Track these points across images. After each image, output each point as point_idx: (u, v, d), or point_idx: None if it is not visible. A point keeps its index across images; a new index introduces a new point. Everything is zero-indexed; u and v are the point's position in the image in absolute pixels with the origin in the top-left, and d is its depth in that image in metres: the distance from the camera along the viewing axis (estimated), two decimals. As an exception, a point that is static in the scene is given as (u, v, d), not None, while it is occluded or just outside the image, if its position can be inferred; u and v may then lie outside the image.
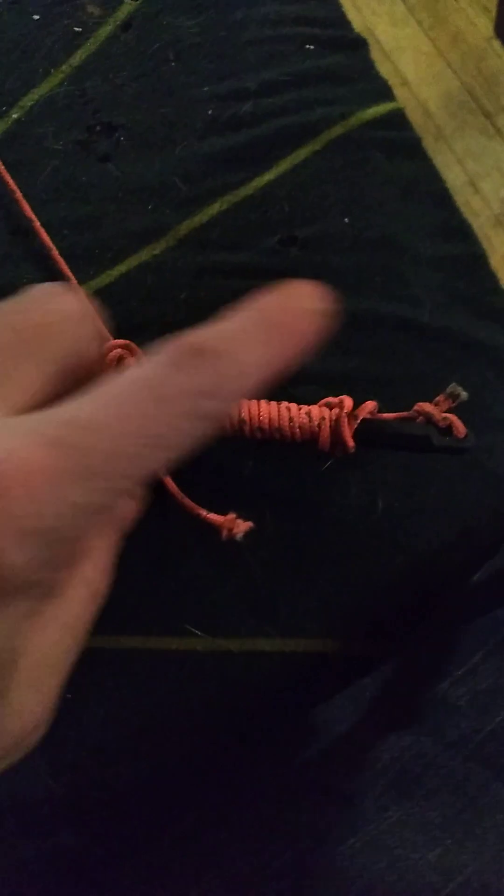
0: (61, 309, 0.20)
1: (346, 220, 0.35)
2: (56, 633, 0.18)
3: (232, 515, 0.28)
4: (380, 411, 0.31)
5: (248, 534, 0.27)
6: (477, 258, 0.37)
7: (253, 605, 0.31)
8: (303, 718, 0.29)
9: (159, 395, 0.16)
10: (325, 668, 0.31)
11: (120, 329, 0.33)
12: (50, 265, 0.33)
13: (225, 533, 0.28)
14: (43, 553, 0.15)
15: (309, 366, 0.33)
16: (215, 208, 0.34)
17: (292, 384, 0.32)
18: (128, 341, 0.29)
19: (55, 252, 0.33)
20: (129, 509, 0.22)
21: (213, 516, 0.28)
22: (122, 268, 0.33)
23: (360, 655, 0.31)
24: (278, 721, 0.31)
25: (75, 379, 0.19)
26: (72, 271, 0.33)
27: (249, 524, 0.28)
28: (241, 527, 0.27)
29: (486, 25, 1.25)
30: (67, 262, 0.33)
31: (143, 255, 0.34)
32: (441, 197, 0.38)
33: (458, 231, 0.37)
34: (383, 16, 1.27)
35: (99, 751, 0.30)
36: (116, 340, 0.29)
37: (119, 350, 0.28)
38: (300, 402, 0.31)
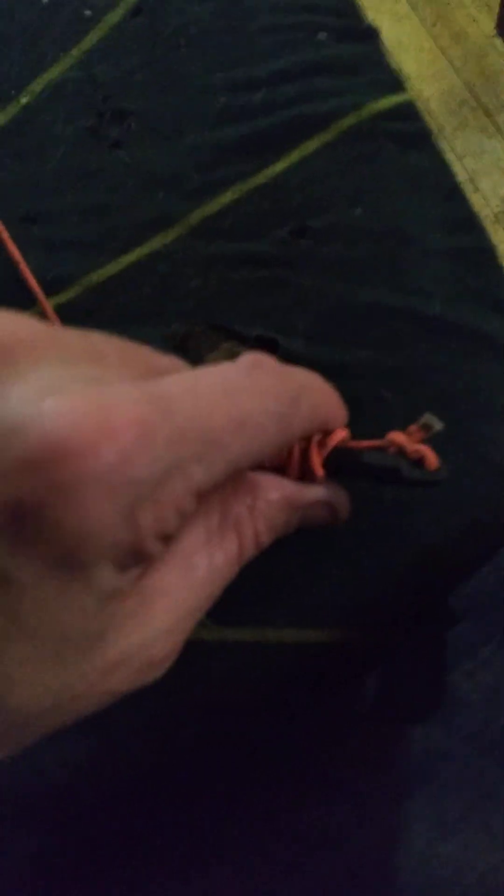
0: None
1: (358, 211, 0.35)
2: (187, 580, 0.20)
3: None
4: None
5: None
6: (486, 252, 0.37)
7: (261, 594, 0.31)
8: (311, 711, 0.29)
9: (237, 386, 0.19)
10: (334, 659, 0.31)
11: (130, 318, 0.33)
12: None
13: None
14: (131, 509, 0.16)
15: (317, 356, 0.33)
16: (227, 197, 0.34)
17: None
18: None
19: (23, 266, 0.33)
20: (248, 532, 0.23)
21: None
22: (132, 257, 0.33)
23: (369, 647, 0.31)
24: (287, 713, 0.30)
25: None
26: (80, 260, 0.33)
27: None
28: None
29: (488, 23, 1.24)
30: (76, 251, 0.33)
31: (154, 244, 0.33)
32: (451, 190, 0.37)
33: (468, 224, 0.37)
34: (385, 12, 1.27)
35: (103, 741, 0.30)
36: None
37: None
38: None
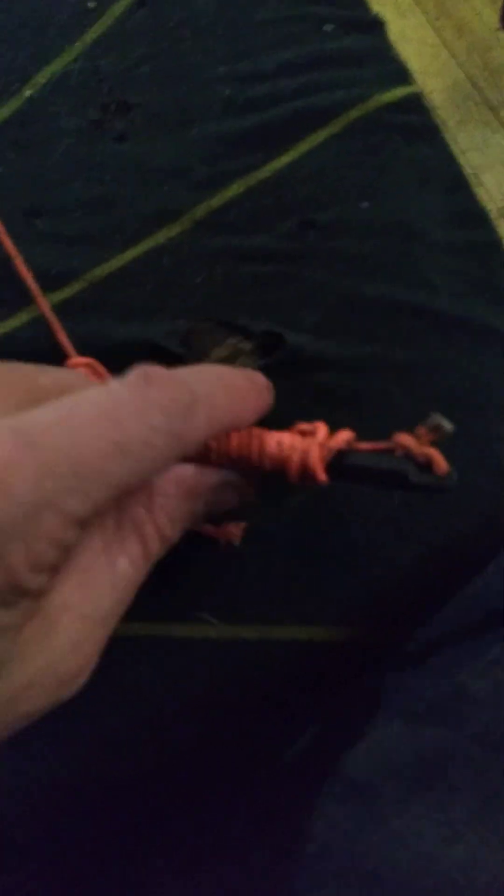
0: None
1: (364, 204, 0.34)
2: (95, 593, 0.20)
3: (226, 525, 0.29)
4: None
5: (247, 531, 0.29)
6: (493, 245, 0.37)
7: (268, 592, 0.31)
8: (319, 709, 0.29)
9: (119, 406, 0.18)
10: (341, 657, 0.31)
11: (133, 314, 0.32)
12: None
13: (224, 544, 0.29)
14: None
15: (324, 351, 0.33)
16: (232, 191, 0.34)
17: (313, 370, 0.32)
18: (91, 360, 0.29)
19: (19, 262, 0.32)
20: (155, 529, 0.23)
21: (207, 528, 0.29)
22: (136, 251, 0.33)
23: (377, 645, 0.31)
24: (294, 711, 0.30)
25: None
26: (85, 253, 0.32)
27: (243, 525, 0.29)
28: (237, 531, 0.29)
29: (492, 17, 1.24)
30: (80, 245, 0.33)
31: (159, 238, 0.33)
32: (458, 183, 0.37)
33: (475, 218, 0.37)
34: (388, 5, 1.26)
35: (107, 739, 0.29)
36: (79, 359, 0.29)
37: (82, 369, 0.28)
38: (320, 387, 0.30)
